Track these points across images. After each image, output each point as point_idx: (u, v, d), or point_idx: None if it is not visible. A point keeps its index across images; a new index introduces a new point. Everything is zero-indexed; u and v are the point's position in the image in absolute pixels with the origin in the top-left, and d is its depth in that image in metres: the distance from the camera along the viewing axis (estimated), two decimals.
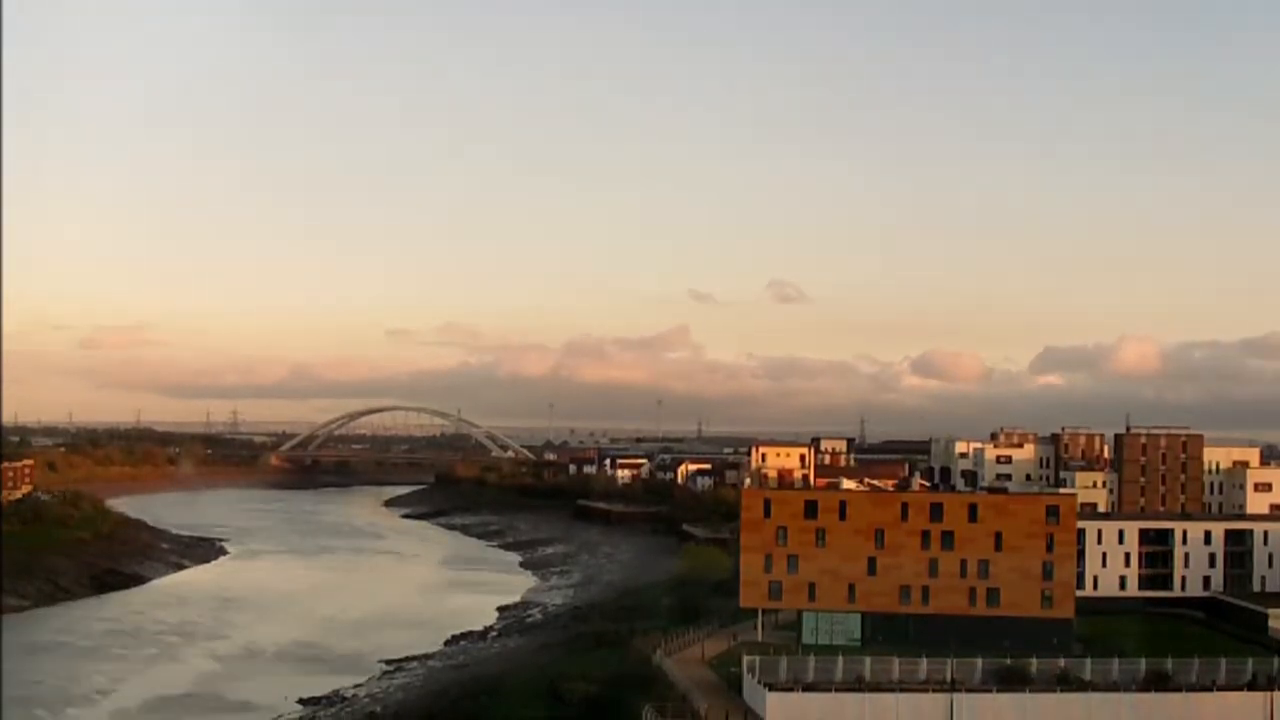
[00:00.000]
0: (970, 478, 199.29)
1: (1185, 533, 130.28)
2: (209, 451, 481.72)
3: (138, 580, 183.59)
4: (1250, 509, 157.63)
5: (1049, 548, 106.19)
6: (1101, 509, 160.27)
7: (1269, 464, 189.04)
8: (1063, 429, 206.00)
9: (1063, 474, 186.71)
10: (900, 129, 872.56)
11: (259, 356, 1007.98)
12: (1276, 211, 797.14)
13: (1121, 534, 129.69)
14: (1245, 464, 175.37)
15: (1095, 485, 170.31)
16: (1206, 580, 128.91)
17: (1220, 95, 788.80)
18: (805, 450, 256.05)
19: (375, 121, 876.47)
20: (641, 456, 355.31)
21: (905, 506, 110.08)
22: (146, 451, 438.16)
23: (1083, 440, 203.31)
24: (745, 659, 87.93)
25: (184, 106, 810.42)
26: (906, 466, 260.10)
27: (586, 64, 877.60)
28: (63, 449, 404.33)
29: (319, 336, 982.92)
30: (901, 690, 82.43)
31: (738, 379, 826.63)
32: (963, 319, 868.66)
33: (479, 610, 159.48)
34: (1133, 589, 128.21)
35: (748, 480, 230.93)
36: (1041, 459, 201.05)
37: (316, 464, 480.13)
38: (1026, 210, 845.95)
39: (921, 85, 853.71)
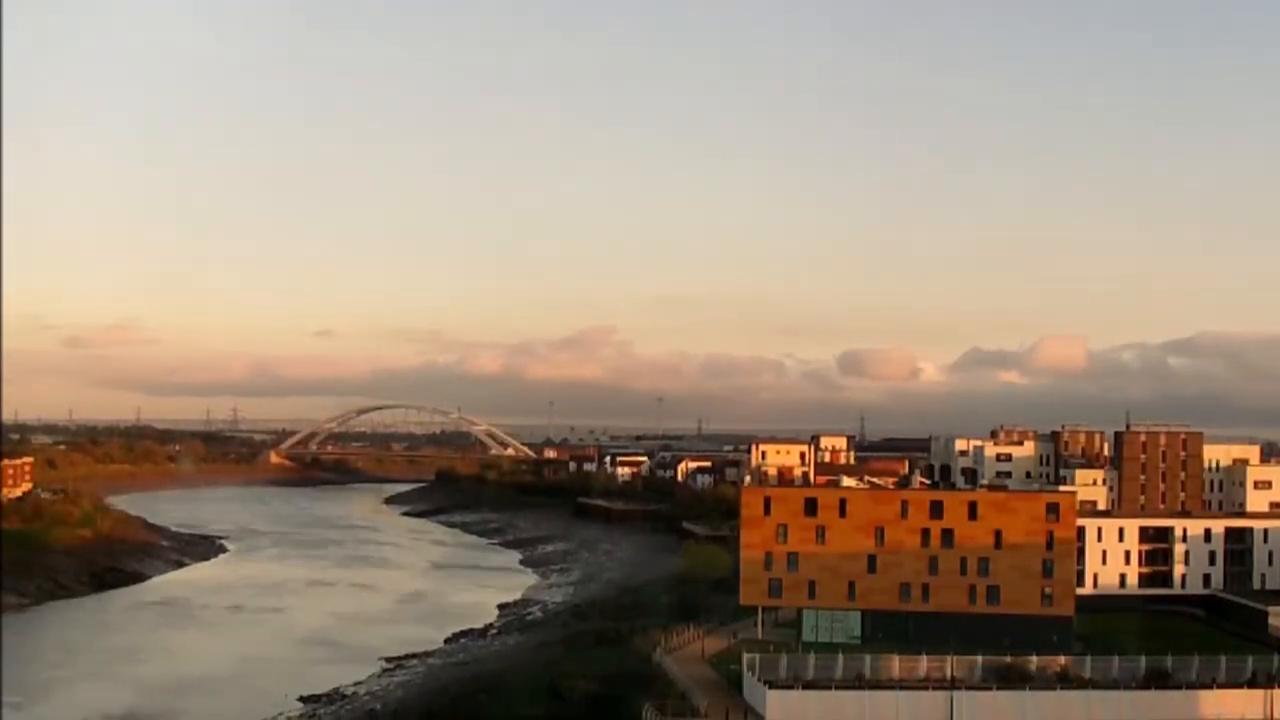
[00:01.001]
0: (970, 475, 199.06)
1: (1185, 530, 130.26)
2: (209, 449, 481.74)
3: (138, 578, 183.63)
4: (1250, 507, 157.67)
5: (1049, 545, 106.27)
6: (1101, 507, 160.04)
7: (1269, 461, 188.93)
8: (1063, 426, 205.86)
9: (1063, 471, 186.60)
10: (819, 131, 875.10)
11: (258, 355, 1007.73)
12: (1209, 216, 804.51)
13: (1121, 532, 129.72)
14: (1245, 462, 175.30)
15: (1095, 483, 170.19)
16: (1206, 578, 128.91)
17: (1144, 96, 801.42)
18: (805, 448, 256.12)
19: (375, 120, 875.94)
20: (641, 454, 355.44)
21: (905, 504, 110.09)
22: (146, 449, 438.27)
23: (1083, 438, 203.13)
24: (745, 657, 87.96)
25: (182, 105, 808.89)
26: (906, 464, 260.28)
27: (586, 64, 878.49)
28: (62, 446, 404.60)
29: (319, 335, 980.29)
30: (901, 688, 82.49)
31: (682, 375, 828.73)
32: (887, 320, 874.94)
33: (479, 608, 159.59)
34: (1133, 587, 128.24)
35: (748, 478, 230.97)
36: (1041, 456, 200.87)
37: (316, 461, 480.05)
38: (949, 212, 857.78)
39: (855, 84, 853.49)
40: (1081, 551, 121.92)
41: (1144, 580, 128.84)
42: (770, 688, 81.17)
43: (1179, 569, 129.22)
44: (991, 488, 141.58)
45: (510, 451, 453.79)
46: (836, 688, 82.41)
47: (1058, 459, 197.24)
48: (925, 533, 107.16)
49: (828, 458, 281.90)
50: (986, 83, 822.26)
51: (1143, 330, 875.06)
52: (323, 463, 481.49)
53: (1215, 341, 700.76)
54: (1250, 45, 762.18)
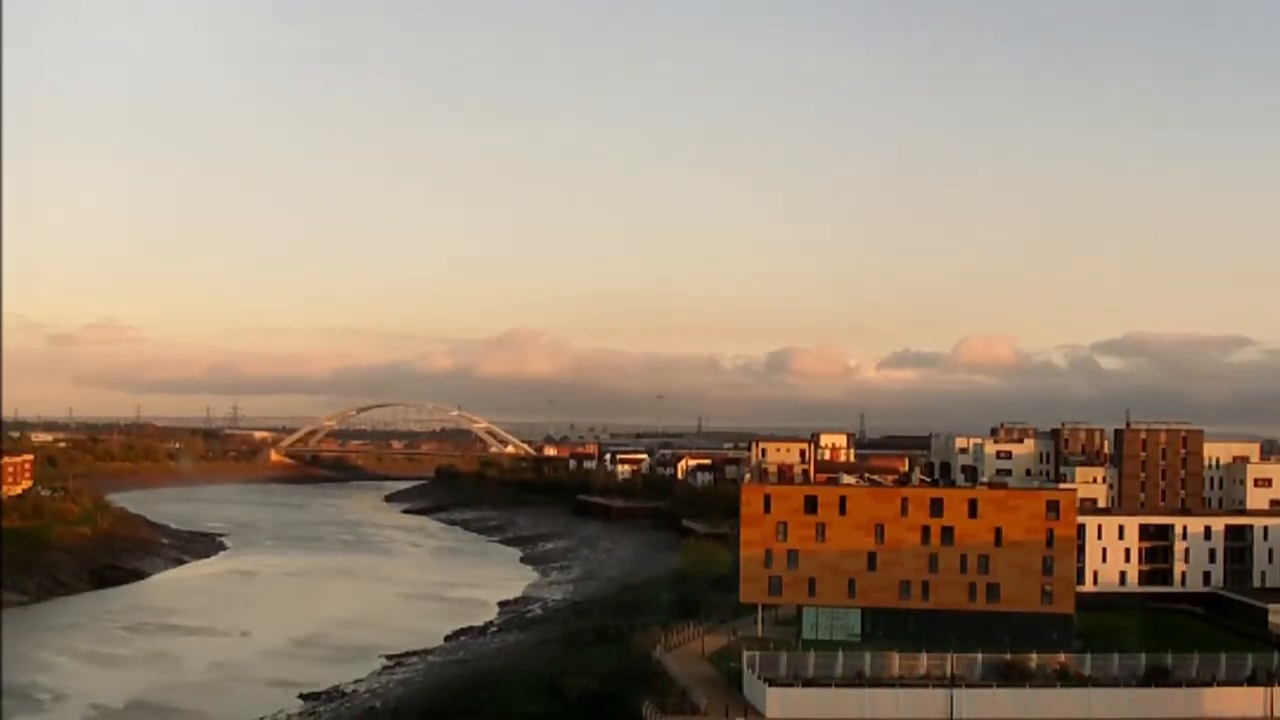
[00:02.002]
0: (970, 473, 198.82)
1: (1185, 528, 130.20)
2: (209, 447, 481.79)
3: (138, 575, 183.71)
4: (1250, 504, 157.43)
5: (1049, 543, 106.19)
6: (1102, 504, 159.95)
7: (1269, 459, 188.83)
8: (1063, 424, 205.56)
9: (1063, 469, 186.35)
10: (763, 133, 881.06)
11: (258, 353, 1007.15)
12: (1137, 220, 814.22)
13: (1121, 529, 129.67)
14: (1245, 459, 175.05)
15: (1095, 480, 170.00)
16: (1207, 576, 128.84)
17: (1082, 97, 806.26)
18: (805, 445, 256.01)
19: (373, 119, 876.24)
20: (641, 452, 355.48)
21: (905, 501, 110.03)
22: (146, 447, 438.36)
23: (1083, 435, 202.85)
24: (745, 654, 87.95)
25: (179, 102, 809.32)
26: (906, 461, 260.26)
27: (589, 63, 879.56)
28: (63, 444, 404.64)
29: (318, 333, 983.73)
30: (901, 686, 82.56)
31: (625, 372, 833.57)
32: (821, 319, 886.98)
33: (479, 605, 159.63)
34: (1133, 584, 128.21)
35: (748, 475, 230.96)
36: (1041, 454, 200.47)
37: (317, 459, 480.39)
38: (886, 213, 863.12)
39: (798, 87, 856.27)
40: (1082, 549, 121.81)
41: (1144, 578, 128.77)
42: (770, 685, 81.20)
43: (1179, 566, 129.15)
44: (992, 485, 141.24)
45: (510, 449, 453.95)
46: (837, 685, 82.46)
47: (1058, 456, 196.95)
48: (925, 530, 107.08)
49: (828, 455, 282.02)
50: (925, 85, 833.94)
51: (1072, 332, 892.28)
52: (323, 460, 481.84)
53: (1143, 342, 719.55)
54: (1177, 50, 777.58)
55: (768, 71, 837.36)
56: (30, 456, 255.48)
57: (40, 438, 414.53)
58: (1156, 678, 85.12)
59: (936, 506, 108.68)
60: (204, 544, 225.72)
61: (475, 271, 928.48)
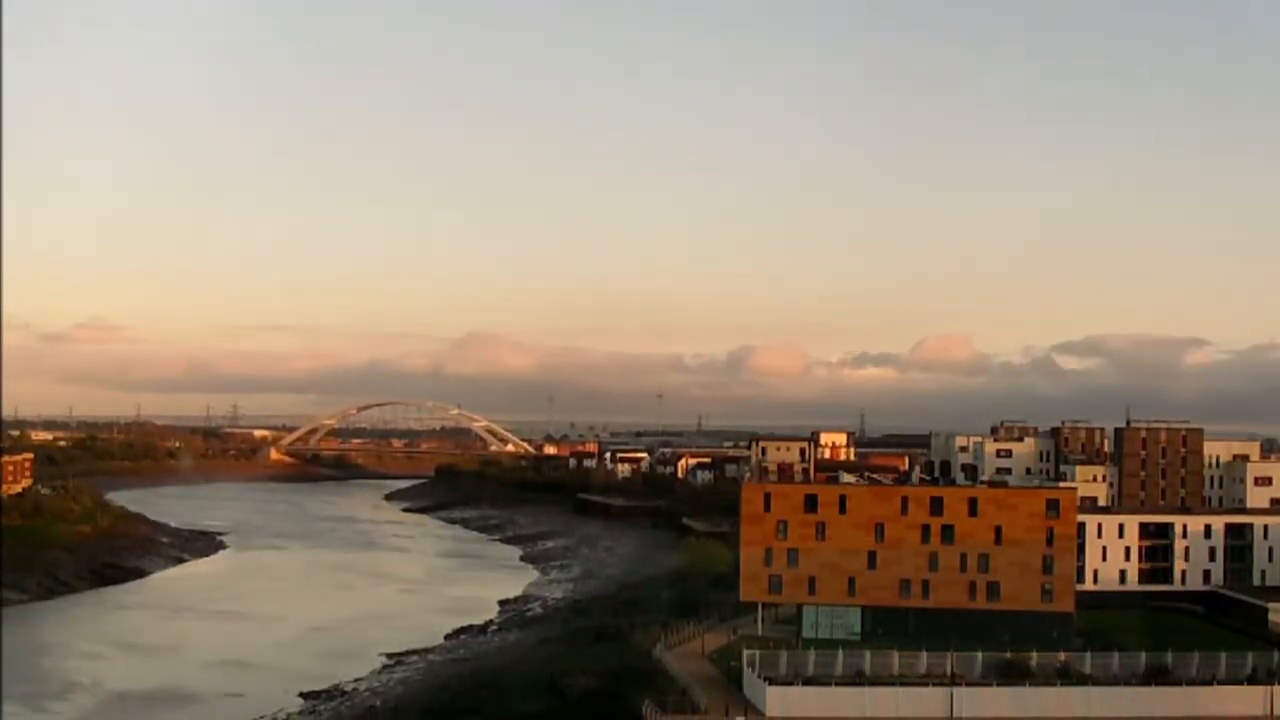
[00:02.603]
0: (970, 471, 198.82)
1: (1185, 527, 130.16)
2: (209, 445, 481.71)
3: (138, 574, 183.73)
4: (1250, 503, 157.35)
5: (1049, 541, 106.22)
6: (1102, 503, 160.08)
7: (1269, 458, 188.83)
8: (1063, 422, 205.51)
9: (1063, 468, 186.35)
10: (716, 133, 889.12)
11: (258, 351, 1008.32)
12: (1097, 225, 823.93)
13: (1121, 528, 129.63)
14: (1245, 458, 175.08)
15: (1095, 479, 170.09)
16: (1206, 574, 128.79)
17: (1042, 103, 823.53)
18: (805, 444, 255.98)
19: (371, 118, 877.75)
20: (641, 450, 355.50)
21: (905, 500, 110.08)
22: (146, 445, 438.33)
23: (1083, 434, 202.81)
24: (745, 653, 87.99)
25: (167, 103, 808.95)
26: (906, 460, 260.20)
27: (570, 65, 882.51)
28: (63, 443, 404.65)
29: (319, 332, 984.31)
30: (902, 684, 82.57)
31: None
32: (781, 318, 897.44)
33: (479, 604, 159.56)
34: (1133, 583, 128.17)
35: (748, 474, 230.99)
36: (1041, 453, 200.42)
37: (317, 458, 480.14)
38: (845, 215, 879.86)
39: (745, 86, 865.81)
40: (1082, 547, 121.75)
41: (1144, 576, 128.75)
42: (770, 684, 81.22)
43: (1179, 565, 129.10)
44: (992, 484, 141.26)
45: (510, 447, 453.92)
46: (837, 684, 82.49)
47: (1058, 455, 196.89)
48: (925, 529, 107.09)
49: (828, 454, 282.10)
50: (886, 87, 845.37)
51: (1033, 333, 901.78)
52: (323, 459, 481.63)
53: (1102, 343, 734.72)
54: (1136, 53, 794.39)
55: (730, 73, 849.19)
56: (30, 455, 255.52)
57: (40, 436, 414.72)
58: (1156, 676, 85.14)
59: (936, 505, 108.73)
60: (204, 542, 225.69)
61: (450, 270, 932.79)
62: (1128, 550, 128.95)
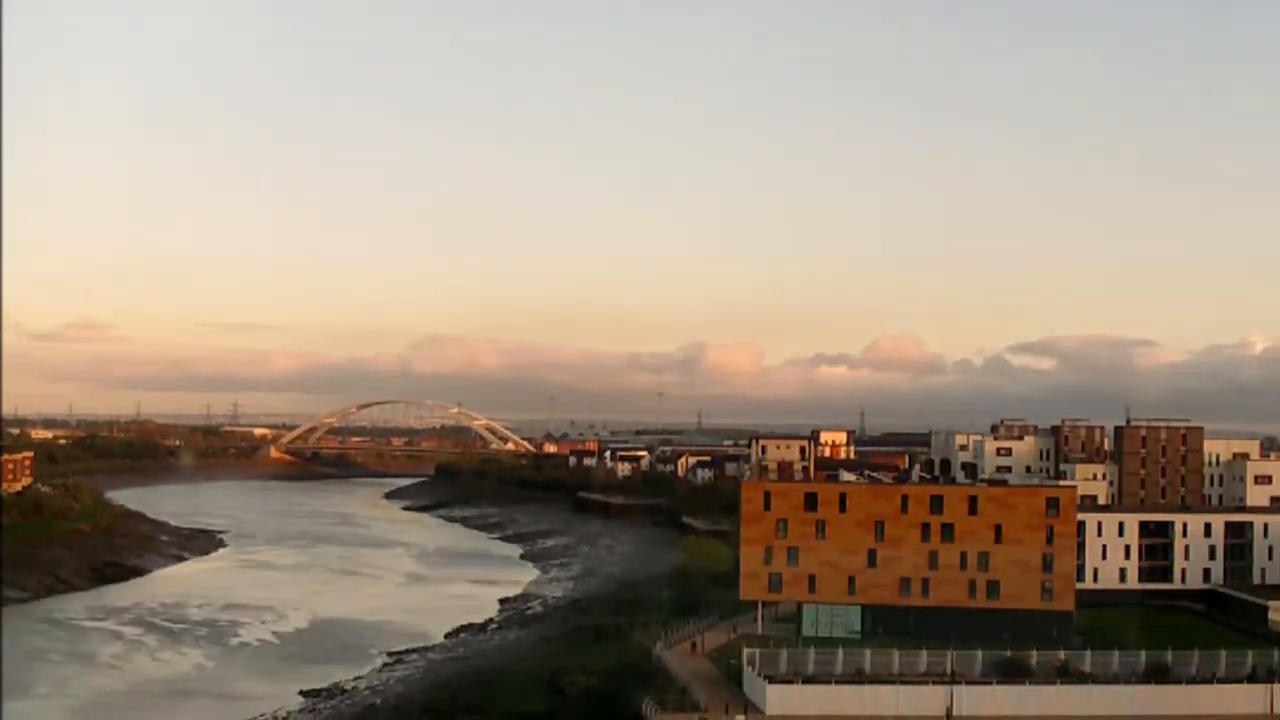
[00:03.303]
0: (970, 470, 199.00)
1: (1185, 525, 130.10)
2: (209, 444, 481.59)
3: (138, 572, 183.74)
4: (1250, 501, 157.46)
5: (1049, 540, 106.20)
6: (1102, 501, 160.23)
7: (1269, 456, 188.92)
8: (1063, 421, 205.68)
9: (1063, 466, 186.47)
10: (672, 131, 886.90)
11: (259, 350, 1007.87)
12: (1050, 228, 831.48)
13: (1121, 526, 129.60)
14: (1245, 456, 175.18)
15: (1095, 478, 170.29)
16: (1206, 573, 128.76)
17: (997, 102, 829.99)
18: (805, 443, 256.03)
19: (371, 115, 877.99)
20: (642, 449, 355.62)
21: (905, 499, 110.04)
22: (147, 444, 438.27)
23: (1083, 432, 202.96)
24: (745, 651, 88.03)
25: (156, 103, 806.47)
26: (906, 458, 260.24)
27: (596, 62, 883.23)
28: (63, 441, 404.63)
29: (318, 331, 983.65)
30: (901, 683, 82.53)
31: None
32: (734, 317, 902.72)
33: (479, 602, 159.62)
34: (1133, 581, 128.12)
35: (748, 472, 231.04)
36: (1041, 451, 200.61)
37: (316, 456, 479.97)
38: (802, 217, 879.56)
39: (702, 82, 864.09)
40: (1082, 546, 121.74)
41: (1144, 575, 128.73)
42: (770, 682, 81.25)
43: (1179, 563, 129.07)
44: (992, 482, 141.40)
45: (510, 446, 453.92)
46: (836, 682, 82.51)
47: (1058, 453, 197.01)
48: (925, 527, 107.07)
49: (828, 452, 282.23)
50: (844, 88, 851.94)
51: (989, 334, 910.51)
52: (323, 458, 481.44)
53: (1055, 343, 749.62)
54: (1071, 54, 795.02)
55: (681, 72, 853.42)
56: (30, 454, 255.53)
57: (40, 435, 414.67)
58: (1156, 675, 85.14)
59: (936, 504, 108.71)
60: (204, 541, 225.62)
61: (477, 269, 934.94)
62: (1128, 549, 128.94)
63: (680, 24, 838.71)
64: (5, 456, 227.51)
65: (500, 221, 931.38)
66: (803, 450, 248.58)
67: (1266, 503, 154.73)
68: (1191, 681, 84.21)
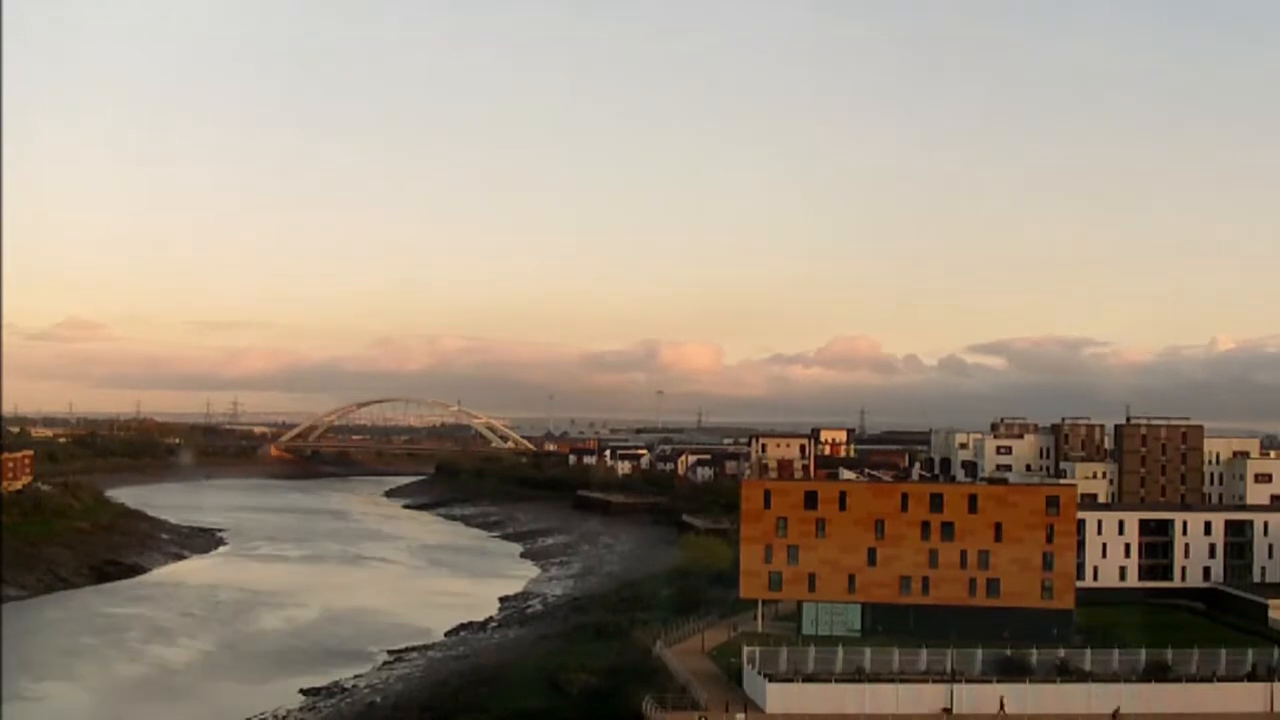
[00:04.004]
0: (970, 468, 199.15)
1: (1185, 523, 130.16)
2: (209, 442, 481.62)
3: (137, 570, 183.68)
4: (1250, 500, 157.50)
5: (1049, 538, 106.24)
6: (1102, 500, 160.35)
7: (1269, 454, 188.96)
8: (1063, 419, 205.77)
9: (1063, 465, 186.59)
10: (632, 130, 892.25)
11: (259, 349, 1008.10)
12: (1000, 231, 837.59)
13: (1121, 525, 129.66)
14: (1245, 454, 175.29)
15: (1095, 476, 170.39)
16: (1207, 571, 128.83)
17: (957, 106, 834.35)
18: (805, 441, 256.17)
19: (357, 115, 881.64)
20: (641, 447, 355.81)
21: (905, 497, 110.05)
22: (147, 442, 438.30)
23: (1083, 431, 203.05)
24: (745, 650, 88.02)
25: (175, 99, 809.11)
26: (906, 457, 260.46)
27: (599, 63, 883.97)
28: (63, 440, 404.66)
29: (318, 330, 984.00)
30: (901, 681, 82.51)
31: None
32: (692, 316, 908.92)
33: (480, 600, 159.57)
34: (1133, 580, 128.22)
35: (748, 471, 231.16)
36: (1042, 450, 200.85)
37: (317, 454, 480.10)
38: (774, 220, 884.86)
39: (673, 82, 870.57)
40: (1082, 544, 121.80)
41: (1144, 573, 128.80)
42: (770, 681, 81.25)
43: (1179, 562, 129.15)
44: (992, 481, 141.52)
45: (510, 445, 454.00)
46: (836, 680, 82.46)
47: (1058, 452, 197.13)
48: (925, 526, 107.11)
49: (827, 451, 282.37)
50: (785, 85, 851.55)
51: (941, 336, 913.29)
52: (323, 456, 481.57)
53: (1007, 344, 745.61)
54: (1011, 52, 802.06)
55: (634, 72, 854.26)
56: (30, 452, 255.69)
57: (40, 433, 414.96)
58: (1156, 673, 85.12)
59: (936, 502, 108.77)
60: (203, 539, 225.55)
61: (477, 269, 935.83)
62: (1128, 547, 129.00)
63: (633, 24, 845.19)
64: (5, 455, 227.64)
65: (500, 221, 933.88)
66: (803, 449, 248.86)
67: (1266, 501, 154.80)
68: (1191, 680, 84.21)
